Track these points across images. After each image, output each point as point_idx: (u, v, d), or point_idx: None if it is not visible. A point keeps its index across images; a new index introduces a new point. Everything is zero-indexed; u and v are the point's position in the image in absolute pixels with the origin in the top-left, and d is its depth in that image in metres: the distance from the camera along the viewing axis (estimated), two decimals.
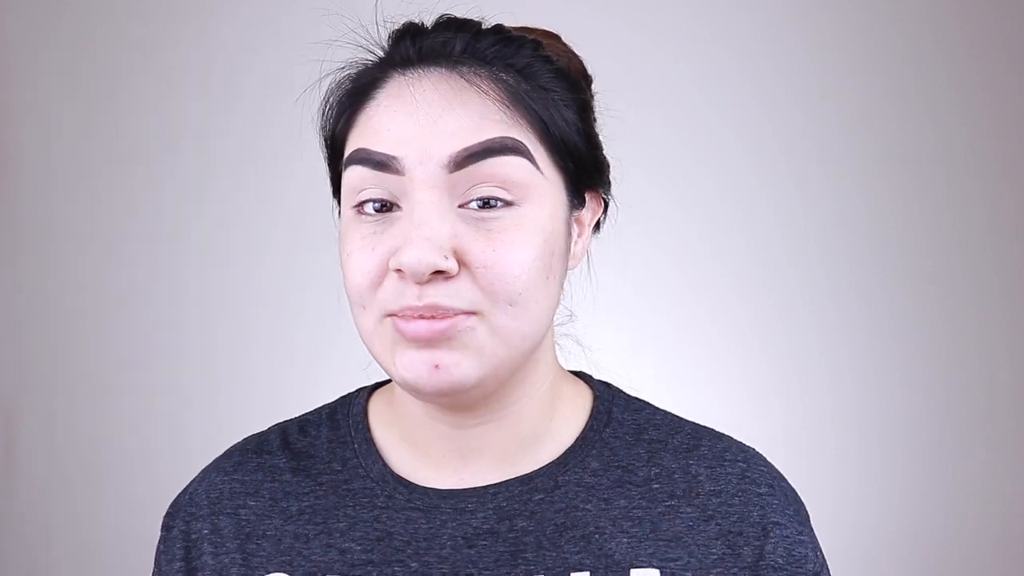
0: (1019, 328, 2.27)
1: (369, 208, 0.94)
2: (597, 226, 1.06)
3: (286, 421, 1.11)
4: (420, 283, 0.91)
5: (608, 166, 1.04)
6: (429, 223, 0.91)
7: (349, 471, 1.04)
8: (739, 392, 2.14)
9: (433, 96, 0.94)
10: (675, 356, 2.18)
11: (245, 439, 1.10)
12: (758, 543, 0.99)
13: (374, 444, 1.05)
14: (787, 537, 1.00)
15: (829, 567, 1.03)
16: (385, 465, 1.04)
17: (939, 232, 2.27)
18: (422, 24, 1.00)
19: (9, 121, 2.41)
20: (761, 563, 0.99)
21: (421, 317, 0.91)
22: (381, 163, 0.93)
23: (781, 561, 0.99)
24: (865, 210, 2.28)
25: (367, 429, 1.06)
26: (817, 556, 1.01)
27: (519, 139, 0.94)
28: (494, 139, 0.93)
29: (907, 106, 2.27)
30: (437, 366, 0.92)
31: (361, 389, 1.11)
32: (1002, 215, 2.27)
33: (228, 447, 1.10)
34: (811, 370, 2.28)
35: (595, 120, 1.06)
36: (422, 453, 1.03)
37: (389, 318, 0.93)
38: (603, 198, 1.04)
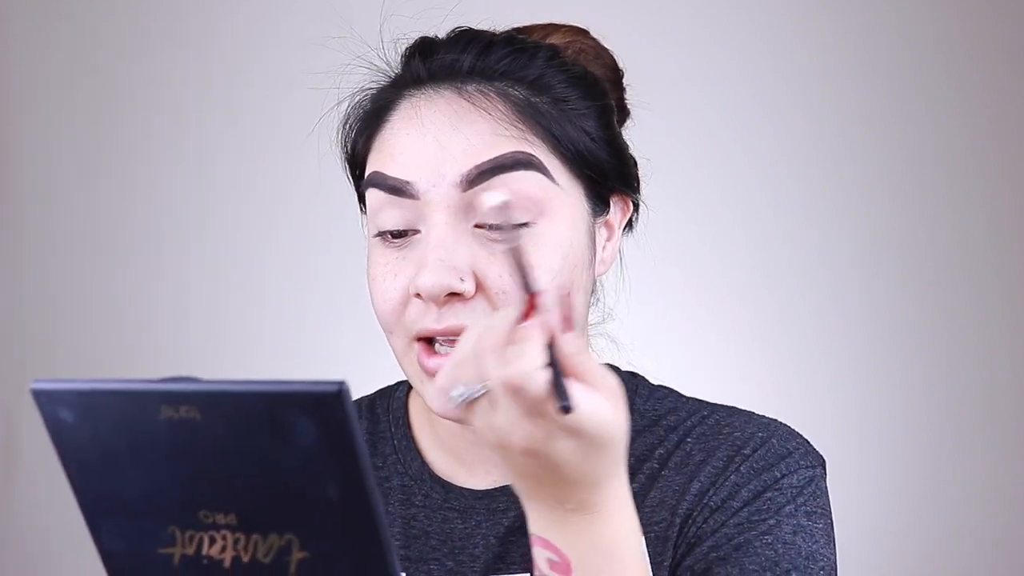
0: (1019, 328, 2.27)
1: (389, 234, 0.96)
2: (630, 225, 1.05)
3: None
4: (439, 305, 0.92)
5: (635, 167, 1.04)
6: (444, 245, 0.92)
7: (388, 468, 1.06)
8: (739, 393, 2.13)
9: (443, 117, 0.95)
10: (674, 356, 2.17)
11: None
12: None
13: (413, 441, 1.07)
14: (755, 468, 0.98)
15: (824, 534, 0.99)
16: (423, 464, 1.05)
17: (939, 232, 2.27)
18: (435, 38, 1.01)
19: (9, 121, 2.40)
20: (726, 482, 0.98)
21: (438, 351, 0.94)
22: (396, 188, 0.95)
23: (748, 452, 0.99)
24: (865, 210, 2.28)
25: (407, 426, 1.08)
26: (799, 493, 0.98)
27: (532, 153, 0.94)
28: (505, 155, 0.94)
29: (907, 107, 2.27)
30: None
31: (400, 382, 1.11)
32: (1002, 215, 2.26)
33: None
34: (811, 371, 2.28)
35: (627, 116, 1.07)
36: (456, 456, 1.04)
37: (415, 344, 0.95)
38: (631, 199, 1.04)
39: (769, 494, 0.96)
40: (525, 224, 0.93)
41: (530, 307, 0.75)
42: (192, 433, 0.62)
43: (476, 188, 0.93)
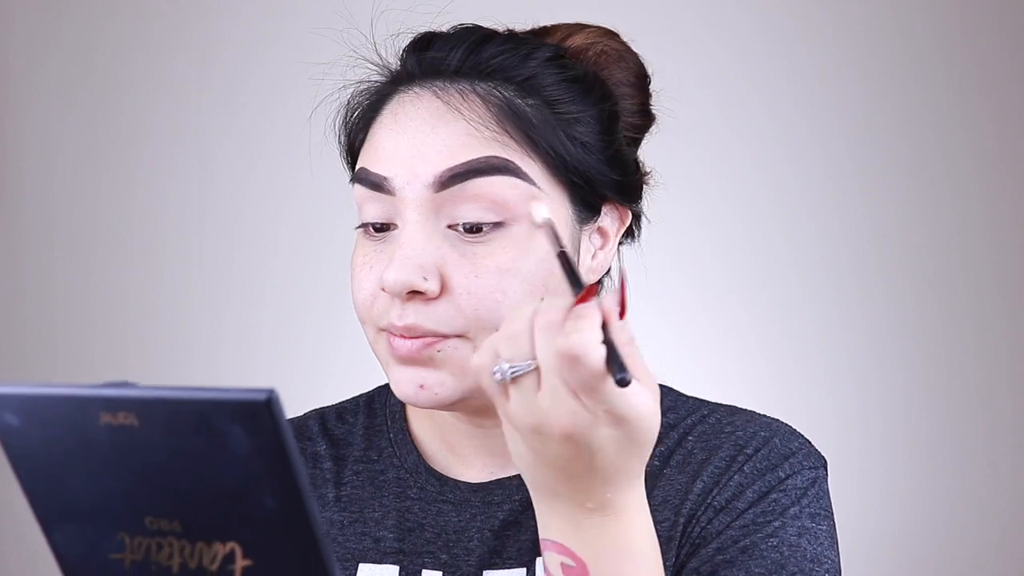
0: (1019, 328, 2.25)
1: (371, 227, 0.97)
2: (631, 234, 1.04)
3: (323, 408, 1.13)
4: (402, 301, 0.93)
5: (637, 175, 1.03)
6: (411, 243, 0.93)
7: (384, 461, 1.06)
8: (740, 394, 2.12)
9: (424, 115, 0.95)
10: (675, 357, 2.16)
11: None
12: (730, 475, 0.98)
13: (409, 435, 1.07)
14: (759, 468, 0.98)
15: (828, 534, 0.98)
16: (419, 457, 1.05)
17: (940, 233, 2.26)
18: (436, 33, 1.01)
19: (11, 122, 2.41)
20: (729, 482, 0.97)
21: (403, 336, 0.94)
22: (376, 184, 0.95)
23: (750, 451, 0.98)
24: (865, 211, 2.28)
25: (404, 419, 1.08)
26: (803, 494, 0.97)
27: (507, 158, 0.94)
28: (479, 159, 0.93)
29: (909, 108, 2.27)
30: (422, 386, 0.94)
31: None
32: (1003, 216, 2.26)
33: None
34: (812, 372, 2.28)
35: (652, 121, 1.05)
36: (451, 448, 1.04)
37: (383, 332, 0.96)
38: (630, 208, 1.02)
39: (774, 495, 0.96)
40: (501, 224, 0.93)
41: (583, 299, 0.75)
42: (131, 439, 0.62)
43: (449, 190, 0.93)
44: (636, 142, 1.04)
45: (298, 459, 0.57)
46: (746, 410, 1.04)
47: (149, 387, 0.61)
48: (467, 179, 0.93)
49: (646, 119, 1.05)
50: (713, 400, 1.07)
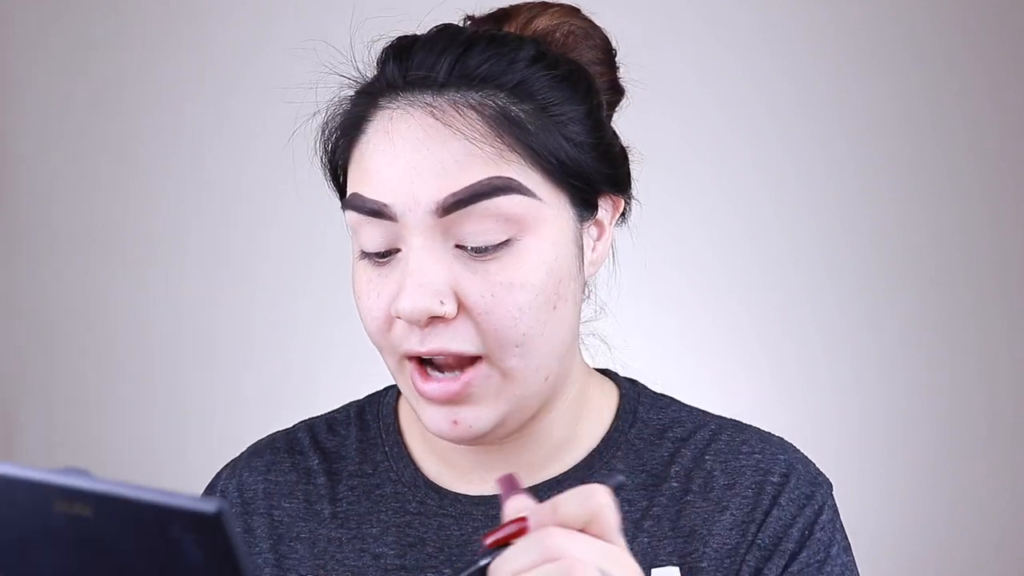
0: (1020, 328, 2.25)
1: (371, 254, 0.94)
2: (623, 216, 1.02)
3: (312, 418, 1.10)
4: (421, 327, 0.91)
5: (625, 164, 1.01)
6: (422, 269, 0.90)
7: (380, 475, 1.04)
8: (741, 393, 2.12)
9: (418, 133, 0.91)
10: (676, 357, 2.16)
11: (272, 436, 1.10)
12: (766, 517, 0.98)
13: (405, 447, 1.05)
14: (795, 500, 0.99)
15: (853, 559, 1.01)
16: (416, 470, 1.03)
17: (941, 233, 2.26)
18: (413, 37, 0.97)
19: (9, 123, 2.40)
20: (769, 518, 0.98)
21: (431, 377, 0.92)
22: (374, 211, 0.92)
23: (776, 480, 0.99)
24: (867, 210, 2.27)
25: (398, 432, 1.06)
26: (834, 528, 0.99)
27: (509, 176, 0.91)
28: (481, 182, 0.90)
29: (910, 107, 2.26)
30: (455, 421, 0.93)
31: (389, 388, 1.10)
32: (1004, 216, 2.25)
33: (253, 442, 1.10)
34: (812, 371, 2.27)
35: (622, 96, 1.03)
36: (447, 462, 1.03)
37: (407, 363, 0.93)
38: (623, 197, 1.00)
39: (818, 534, 0.97)
40: (507, 242, 0.91)
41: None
42: (85, 531, 0.60)
43: (454, 214, 0.90)
44: (609, 119, 1.02)
45: (251, 571, 0.56)
46: (750, 426, 1.03)
47: (105, 480, 0.60)
48: (470, 204, 0.90)
49: (616, 94, 1.03)
50: (713, 400, 1.08)
